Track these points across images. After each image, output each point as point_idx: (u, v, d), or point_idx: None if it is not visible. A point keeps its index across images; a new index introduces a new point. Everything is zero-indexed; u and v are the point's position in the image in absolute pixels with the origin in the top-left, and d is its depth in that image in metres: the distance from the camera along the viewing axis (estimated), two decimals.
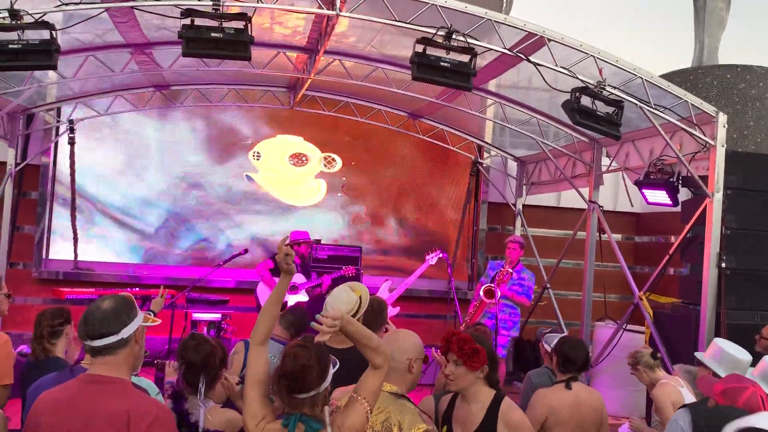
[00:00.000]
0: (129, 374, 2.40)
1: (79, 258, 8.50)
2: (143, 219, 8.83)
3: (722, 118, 5.48)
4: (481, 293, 7.08)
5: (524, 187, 9.23)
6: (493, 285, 6.93)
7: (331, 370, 2.50)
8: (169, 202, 8.93)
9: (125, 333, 2.36)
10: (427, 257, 7.76)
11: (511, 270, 7.14)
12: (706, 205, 5.60)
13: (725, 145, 5.51)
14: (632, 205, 7.76)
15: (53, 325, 3.63)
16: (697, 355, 3.89)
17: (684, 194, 6.60)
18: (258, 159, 9.25)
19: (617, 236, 8.32)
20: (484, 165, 9.61)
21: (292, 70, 7.29)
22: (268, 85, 8.49)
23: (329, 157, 9.49)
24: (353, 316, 3.36)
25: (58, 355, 3.63)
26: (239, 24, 4.56)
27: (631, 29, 14.68)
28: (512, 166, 9.54)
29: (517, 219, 9.30)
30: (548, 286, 8.34)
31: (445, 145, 9.28)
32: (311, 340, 2.52)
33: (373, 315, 3.81)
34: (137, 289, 7.10)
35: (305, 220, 9.29)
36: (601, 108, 5.22)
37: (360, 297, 3.45)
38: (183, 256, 8.92)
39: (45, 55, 4.51)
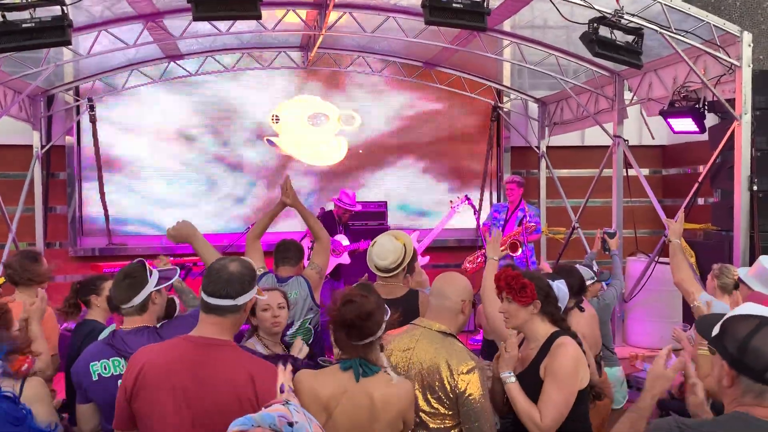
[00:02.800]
0: (232, 337, 2.45)
1: (111, 233, 8.66)
2: (169, 190, 8.92)
3: (747, 36, 5.33)
4: (507, 248, 7.26)
5: (547, 128, 9.12)
6: (520, 238, 7.15)
7: (386, 318, 2.59)
8: (192, 171, 8.97)
9: (240, 300, 2.39)
10: (452, 205, 7.75)
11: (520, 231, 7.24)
12: (734, 129, 5.51)
13: (751, 65, 5.37)
14: (653, 138, 7.69)
15: (71, 301, 3.86)
16: (740, 273, 3.81)
17: (711, 120, 6.47)
18: (277, 122, 9.25)
19: (644, 170, 8.20)
20: (505, 110, 9.49)
21: (304, 28, 7.23)
22: (281, 47, 8.44)
23: (348, 114, 9.46)
24: (400, 263, 3.65)
25: (93, 318, 3.75)
26: None
27: None
28: (533, 108, 9.41)
29: (541, 161, 9.22)
30: (577, 225, 8.32)
31: (463, 92, 9.17)
32: (369, 288, 2.61)
33: None
34: (171, 258, 7.20)
35: (329, 178, 9.32)
36: (621, 37, 5.12)
37: (404, 244, 3.68)
38: (211, 223, 9.01)
39: (59, 31, 4.51)
